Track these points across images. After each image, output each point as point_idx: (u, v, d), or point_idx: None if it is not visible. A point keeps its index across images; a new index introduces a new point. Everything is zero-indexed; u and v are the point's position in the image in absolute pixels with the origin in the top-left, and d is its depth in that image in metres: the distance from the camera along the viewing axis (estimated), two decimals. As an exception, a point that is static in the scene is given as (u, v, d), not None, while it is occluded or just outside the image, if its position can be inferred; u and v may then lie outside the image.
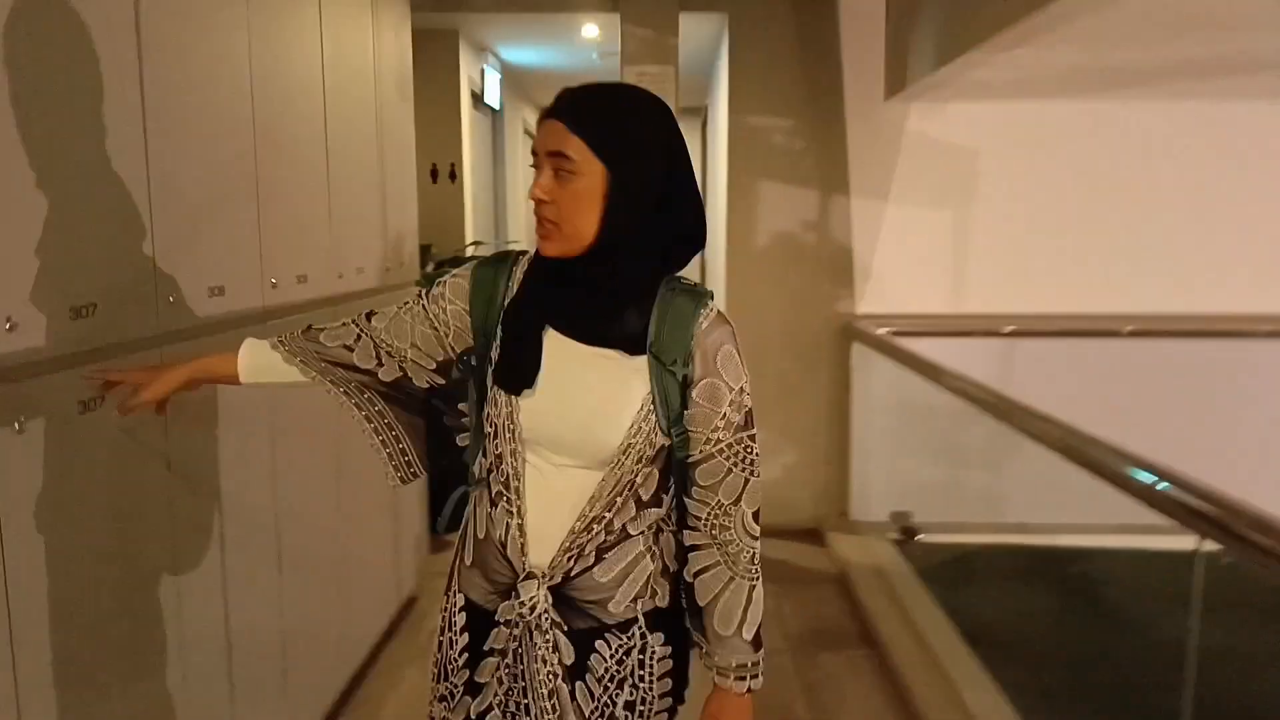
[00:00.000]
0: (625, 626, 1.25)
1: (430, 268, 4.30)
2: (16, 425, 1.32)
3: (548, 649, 1.23)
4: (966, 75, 3.22)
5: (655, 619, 1.27)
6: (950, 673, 2.72)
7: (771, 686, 2.84)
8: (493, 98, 5.22)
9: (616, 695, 1.25)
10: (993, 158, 4.10)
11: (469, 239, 4.67)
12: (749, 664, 1.25)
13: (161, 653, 1.72)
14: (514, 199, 5.97)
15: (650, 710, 1.27)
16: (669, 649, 1.28)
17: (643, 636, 1.26)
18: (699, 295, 1.22)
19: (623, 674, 1.25)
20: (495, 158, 5.72)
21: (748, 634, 1.23)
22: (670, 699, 1.28)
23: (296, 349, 1.35)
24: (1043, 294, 4.16)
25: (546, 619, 1.22)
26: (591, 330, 1.20)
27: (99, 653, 1.52)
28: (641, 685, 1.26)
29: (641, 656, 1.26)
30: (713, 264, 6.78)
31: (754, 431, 1.23)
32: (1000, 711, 2.50)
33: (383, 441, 1.36)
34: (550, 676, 1.23)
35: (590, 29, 4.50)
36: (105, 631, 1.54)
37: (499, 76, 5.31)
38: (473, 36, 4.73)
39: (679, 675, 1.29)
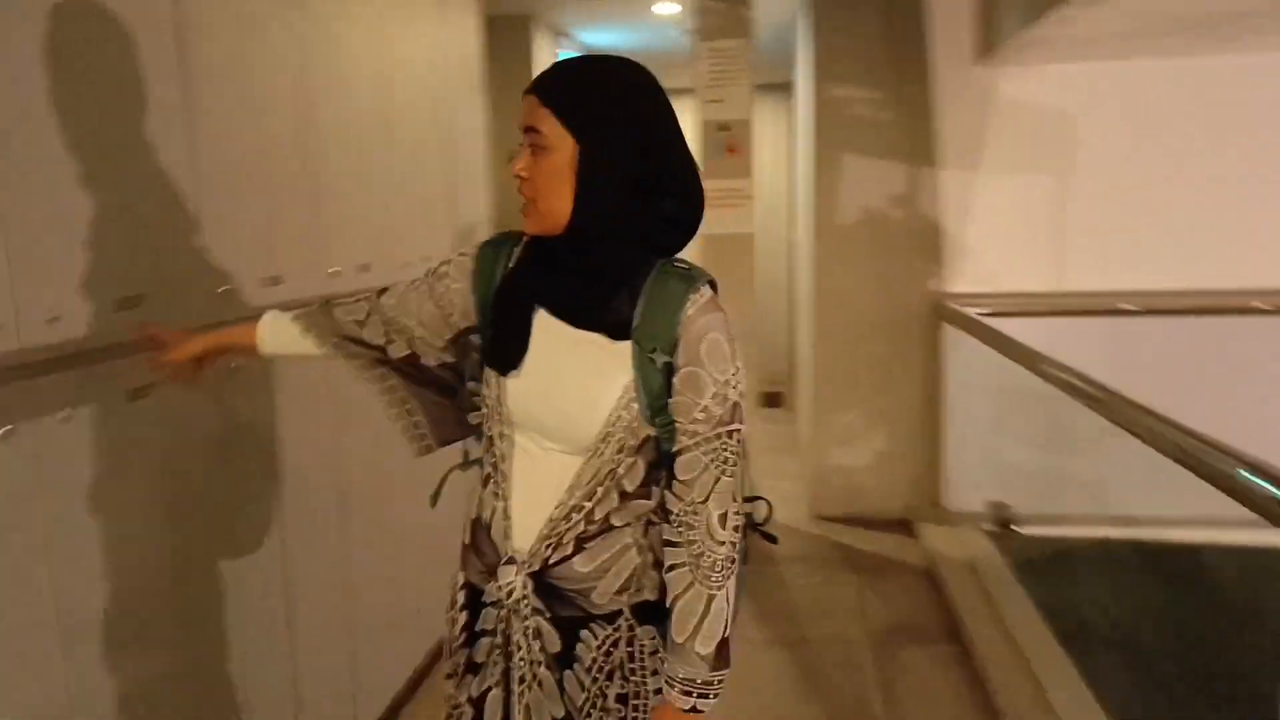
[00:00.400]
0: (611, 618, 1.20)
1: (510, 254, 4.31)
2: (62, 415, 1.35)
3: (525, 635, 1.20)
4: (1060, 32, 2.99)
5: (643, 612, 1.21)
6: (1040, 674, 2.54)
7: (847, 680, 2.77)
8: (574, 82, 5.20)
9: (607, 687, 1.20)
10: (1091, 123, 3.81)
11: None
12: (698, 680, 1.15)
13: (221, 637, 1.75)
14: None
15: (645, 705, 1.22)
16: (661, 643, 1.22)
17: (630, 629, 1.21)
18: (691, 279, 1.15)
19: (610, 665, 1.20)
20: (578, 143, 5.71)
21: (702, 648, 1.15)
22: None
23: (313, 323, 1.35)
24: (1149, 269, 3.85)
25: (526, 605, 1.19)
26: (578, 313, 1.15)
27: (155, 637, 1.56)
28: (633, 679, 1.21)
29: (630, 649, 1.21)
30: (799, 242, 6.60)
31: (736, 427, 1.15)
32: (1093, 717, 2.32)
33: (396, 415, 1.34)
34: (523, 662, 1.20)
35: (666, 6, 4.42)
36: (161, 615, 1.57)
37: (580, 60, 5.29)
38: (547, 21, 4.72)
39: None
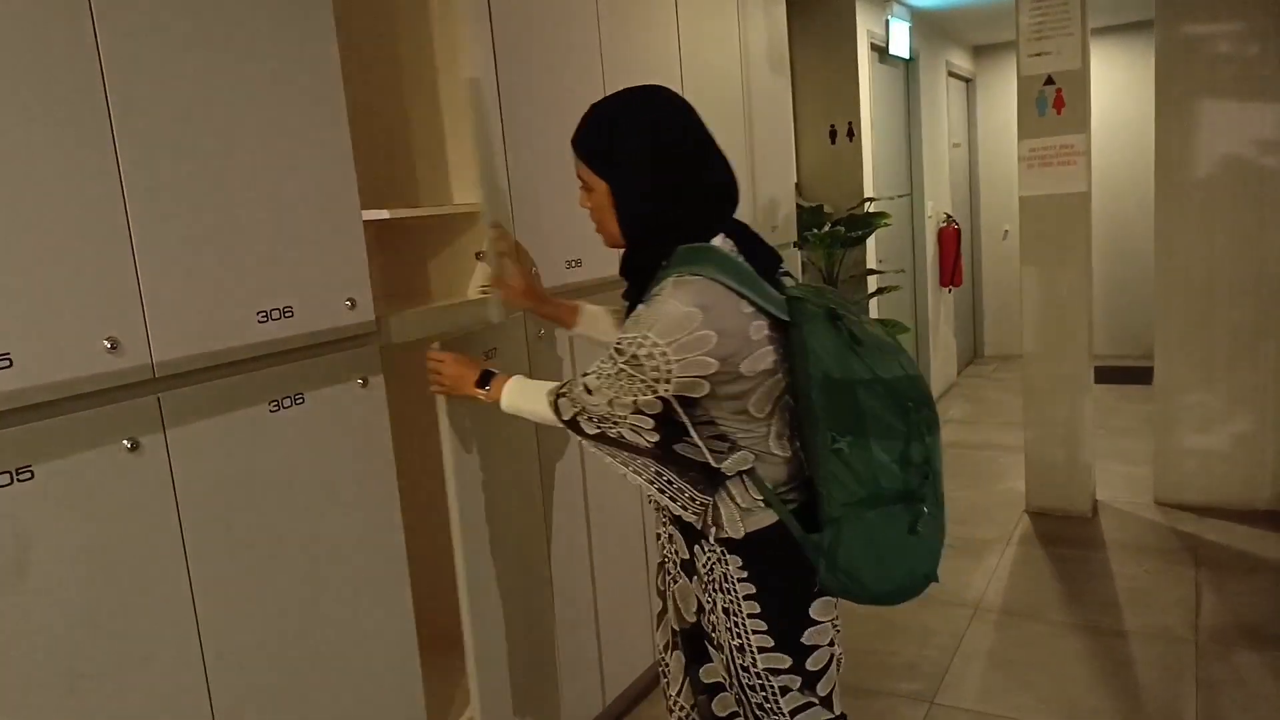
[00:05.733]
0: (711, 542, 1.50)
1: (826, 227, 4.42)
2: (360, 382, 1.71)
3: (666, 539, 1.59)
4: None
5: (731, 545, 1.45)
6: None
7: (1162, 678, 2.57)
8: (900, 48, 5.10)
9: (715, 597, 1.48)
10: None
11: (866, 196, 4.68)
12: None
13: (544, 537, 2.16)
14: (931, 150, 5.77)
15: (740, 619, 1.46)
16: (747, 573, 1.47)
17: (721, 555, 1.46)
18: (678, 271, 1.34)
19: (713, 580, 1.47)
20: (909, 109, 5.59)
21: (549, 398, 1.47)
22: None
23: None
24: None
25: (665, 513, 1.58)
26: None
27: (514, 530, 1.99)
28: (729, 595, 1.46)
29: (725, 570, 1.45)
30: (1136, 200, 5.80)
31: (616, 351, 1.34)
32: None
33: None
34: (668, 559, 1.58)
35: (993, -42, 4.19)
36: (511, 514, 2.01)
37: (907, 25, 5.17)
38: (871, -9, 4.69)
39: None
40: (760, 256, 1.41)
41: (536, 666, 2.16)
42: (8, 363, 1.15)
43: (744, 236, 1.42)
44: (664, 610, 1.62)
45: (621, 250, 1.45)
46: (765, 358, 1.35)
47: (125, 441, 1.28)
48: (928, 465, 1.33)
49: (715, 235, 1.39)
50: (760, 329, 1.34)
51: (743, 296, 1.32)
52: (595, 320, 1.80)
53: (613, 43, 2.44)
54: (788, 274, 1.47)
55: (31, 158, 1.18)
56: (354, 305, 1.63)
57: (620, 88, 2.40)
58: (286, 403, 1.52)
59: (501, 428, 2.03)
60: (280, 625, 1.52)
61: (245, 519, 1.46)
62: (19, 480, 1.17)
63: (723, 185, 1.41)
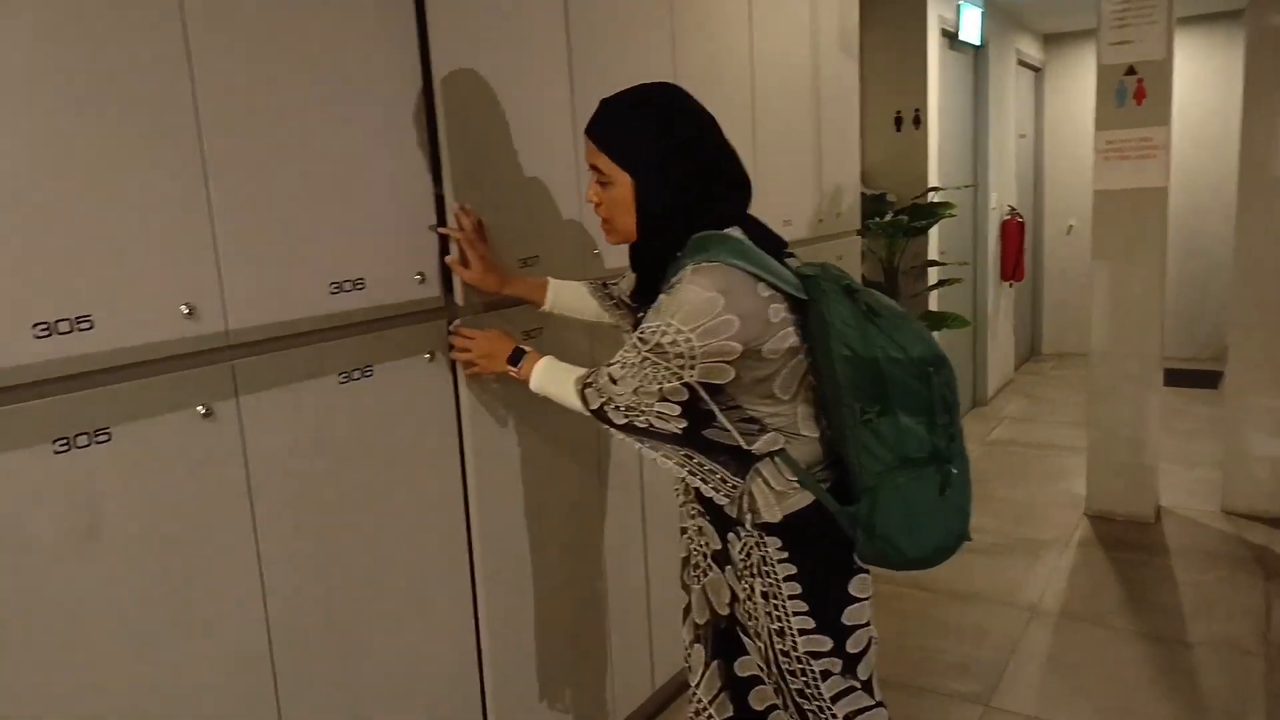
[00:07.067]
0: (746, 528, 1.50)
1: (888, 216, 4.33)
2: (427, 356, 1.70)
3: (694, 531, 1.58)
4: None
5: (768, 528, 1.44)
6: None
7: (1226, 688, 2.48)
8: (971, 34, 4.97)
9: (752, 583, 1.47)
10: None
11: (930, 186, 4.57)
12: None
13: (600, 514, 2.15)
14: (997, 141, 5.61)
15: (782, 601, 1.45)
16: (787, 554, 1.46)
17: (759, 539, 1.46)
18: (692, 259, 1.33)
19: (751, 565, 1.46)
20: (977, 97, 5.44)
21: (576, 386, 1.46)
22: None
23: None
24: None
25: (691, 507, 1.59)
26: (649, 299, 1.41)
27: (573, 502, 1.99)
28: (769, 579, 1.46)
29: (763, 554, 1.45)
30: (1210, 197, 5.61)
31: (640, 341, 1.34)
32: None
33: None
34: (697, 551, 1.57)
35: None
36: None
37: (980, 11, 5.03)
38: (944, -24, 4.57)
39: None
40: (767, 241, 1.43)
41: (579, 647, 2.15)
42: (89, 325, 1.17)
43: (751, 224, 1.44)
44: (689, 605, 1.61)
45: (627, 245, 1.46)
46: (787, 338, 1.36)
47: (199, 407, 1.29)
48: (952, 425, 1.36)
49: (729, 227, 1.40)
50: (778, 311, 1.35)
51: (760, 279, 1.33)
52: (568, 296, 1.75)
53: (685, 29, 2.40)
54: (792, 255, 1.48)
55: (118, 131, 1.19)
56: (423, 279, 1.63)
57: (692, 75, 2.42)
58: (355, 375, 1.52)
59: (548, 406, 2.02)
60: (344, 594, 1.53)
61: (312, 488, 1.47)
62: (97, 442, 1.19)
63: (738, 180, 1.43)
